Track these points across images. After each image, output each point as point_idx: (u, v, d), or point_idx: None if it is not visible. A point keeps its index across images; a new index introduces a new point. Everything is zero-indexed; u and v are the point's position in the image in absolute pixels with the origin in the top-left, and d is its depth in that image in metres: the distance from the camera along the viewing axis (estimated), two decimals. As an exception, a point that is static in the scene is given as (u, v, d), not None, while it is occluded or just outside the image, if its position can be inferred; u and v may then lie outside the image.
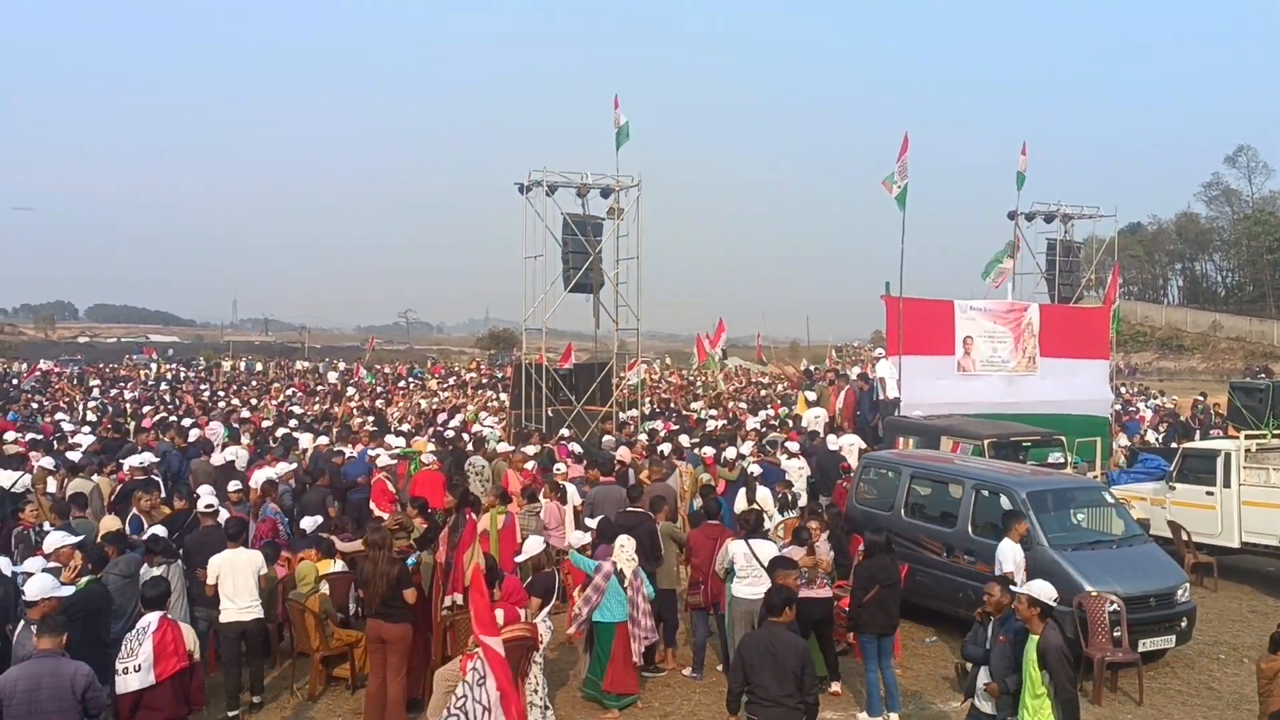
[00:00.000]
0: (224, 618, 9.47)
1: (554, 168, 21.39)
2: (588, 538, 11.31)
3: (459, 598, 10.02)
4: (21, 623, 7.78)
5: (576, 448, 17.00)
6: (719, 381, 35.36)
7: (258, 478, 13.54)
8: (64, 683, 6.42)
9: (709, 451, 16.10)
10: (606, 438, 18.53)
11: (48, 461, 14.01)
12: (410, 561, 9.30)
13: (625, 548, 9.87)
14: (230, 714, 9.41)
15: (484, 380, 43.54)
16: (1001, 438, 15.23)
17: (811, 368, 35.05)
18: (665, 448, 16.49)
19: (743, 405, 27.27)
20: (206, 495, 11.49)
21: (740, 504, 12.55)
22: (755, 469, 14.09)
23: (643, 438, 18.58)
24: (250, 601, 9.53)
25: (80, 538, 9.21)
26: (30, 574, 8.12)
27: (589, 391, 21.73)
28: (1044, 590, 7.12)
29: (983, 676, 7.41)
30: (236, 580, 9.47)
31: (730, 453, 15.63)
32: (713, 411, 26.02)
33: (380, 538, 9.16)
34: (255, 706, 9.71)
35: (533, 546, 9.57)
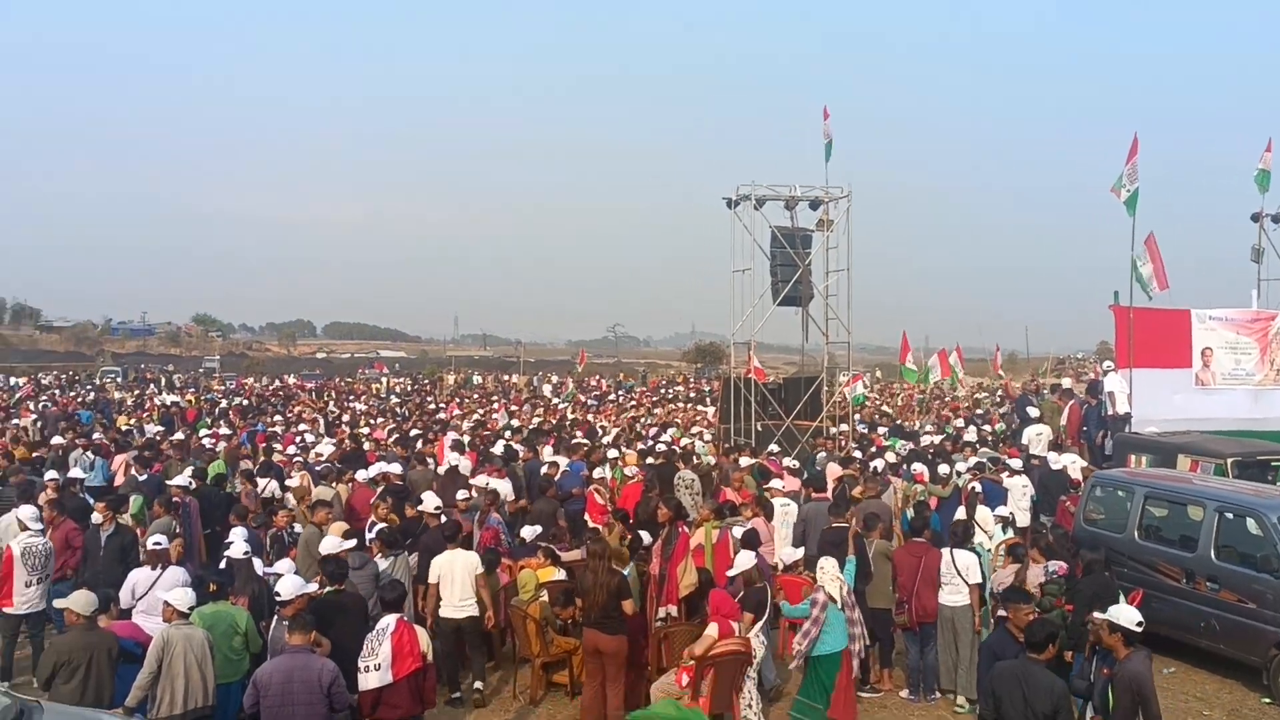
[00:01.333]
0: (442, 613, 10.05)
1: (761, 181, 21.40)
2: (799, 553, 11.24)
3: (673, 609, 10.17)
4: (275, 619, 8.46)
5: (791, 462, 16.90)
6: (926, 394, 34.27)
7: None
8: (313, 676, 6.98)
9: (919, 468, 15.67)
10: (820, 453, 18.35)
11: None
12: (625, 573, 9.52)
13: (827, 569, 9.70)
14: (453, 695, 10.04)
15: (691, 394, 43.96)
16: (1247, 456, 14.14)
17: (1035, 382, 33.58)
18: (879, 464, 16.16)
19: (959, 421, 26.44)
20: (430, 500, 12.24)
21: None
22: (976, 486, 13.63)
23: (858, 453, 18.29)
24: (465, 599, 10.10)
25: (353, 542, 10.02)
26: (281, 574, 8.85)
27: (799, 406, 21.58)
28: (1124, 615, 6.74)
29: (1089, 713, 7.21)
30: (455, 579, 10.07)
31: (943, 469, 15.18)
32: (929, 426, 25.33)
33: (601, 548, 9.36)
34: (480, 704, 10.20)
35: (743, 562, 9.58)
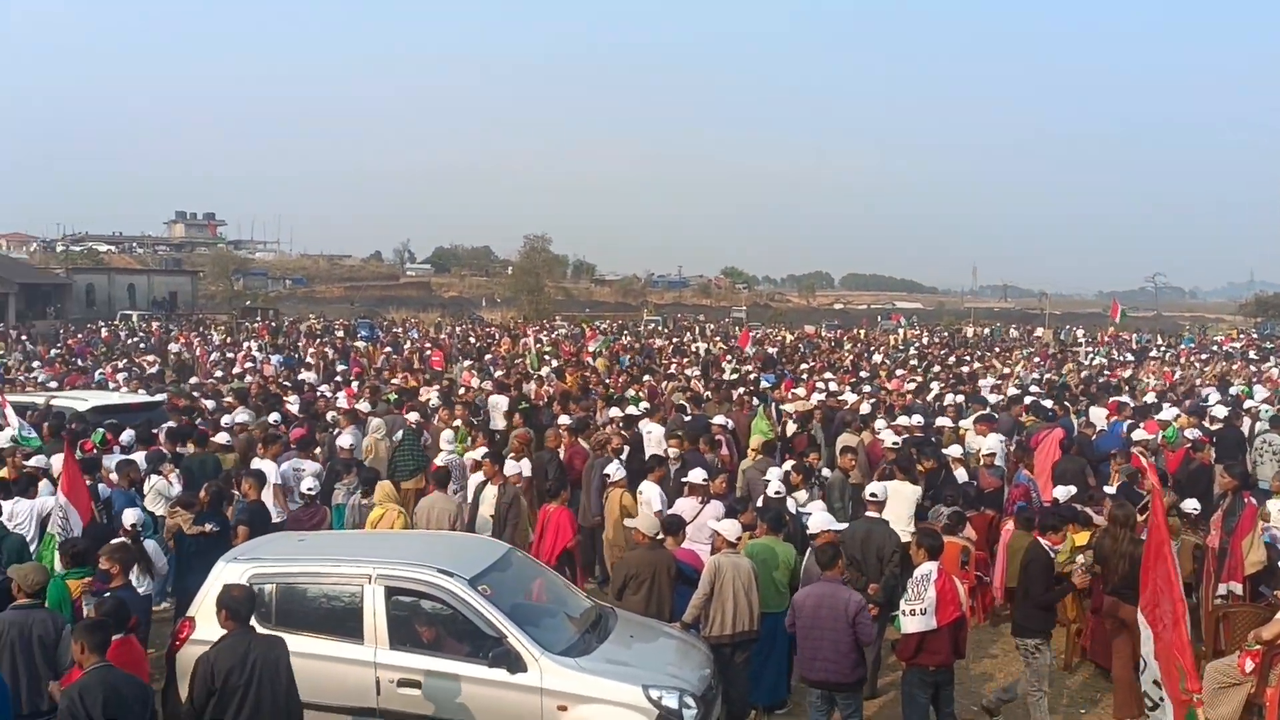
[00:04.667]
0: None
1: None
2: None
3: (1236, 586, 9.20)
4: (808, 552, 8.87)
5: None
6: None
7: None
8: (840, 605, 7.44)
9: None
10: None
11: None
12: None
13: None
14: None
15: (1250, 352, 39.01)
16: None
17: None
18: None
19: None
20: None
21: None
22: None
23: None
24: None
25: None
26: (810, 513, 9.35)
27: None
28: None
29: None
30: None
31: None
32: None
33: (1125, 514, 8.86)
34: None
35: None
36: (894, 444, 13.21)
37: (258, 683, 6.00)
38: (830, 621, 7.44)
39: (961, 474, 12.61)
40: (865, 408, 17.20)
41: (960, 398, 19.25)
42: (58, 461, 11.52)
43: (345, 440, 13.29)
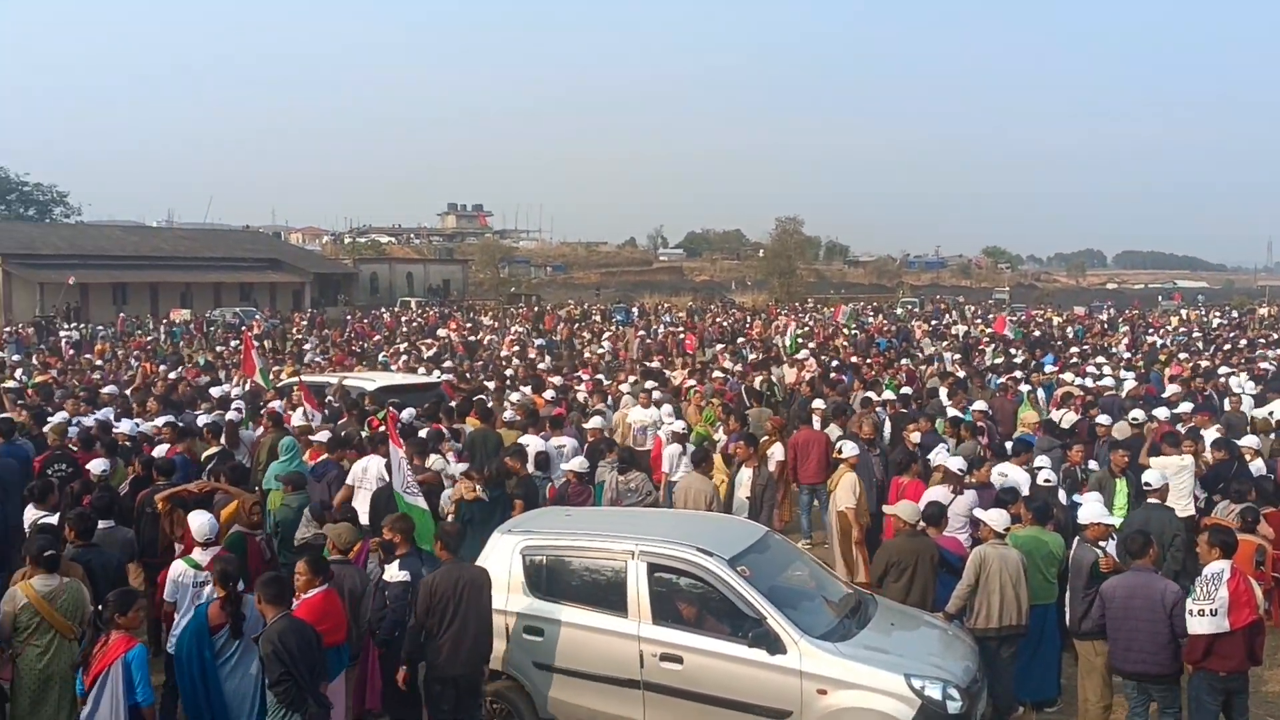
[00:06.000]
0: None
1: None
2: None
3: None
4: (1077, 540, 8.46)
5: None
6: None
7: None
8: (1155, 595, 7.15)
9: None
10: None
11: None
12: None
13: None
14: None
15: None
16: None
17: None
18: None
19: None
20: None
21: None
22: None
23: None
24: None
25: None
26: (1080, 504, 8.89)
27: None
28: None
29: None
30: None
31: None
32: None
33: None
34: None
35: None
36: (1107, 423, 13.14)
37: (465, 601, 7.23)
38: (1145, 612, 7.15)
39: (1258, 466, 11.60)
40: (1173, 387, 16.30)
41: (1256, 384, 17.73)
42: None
43: (595, 421, 13.55)
